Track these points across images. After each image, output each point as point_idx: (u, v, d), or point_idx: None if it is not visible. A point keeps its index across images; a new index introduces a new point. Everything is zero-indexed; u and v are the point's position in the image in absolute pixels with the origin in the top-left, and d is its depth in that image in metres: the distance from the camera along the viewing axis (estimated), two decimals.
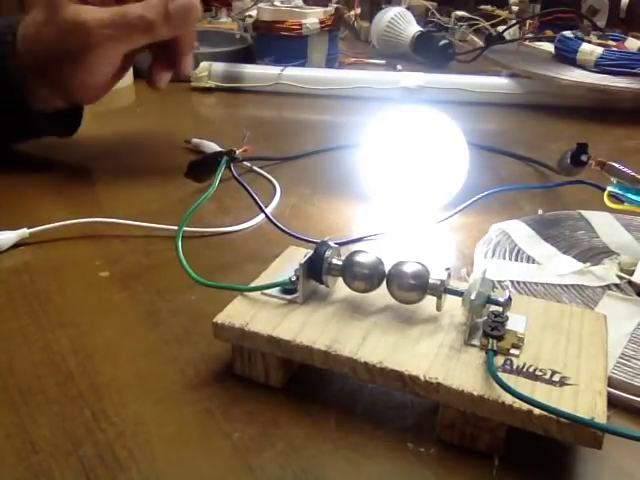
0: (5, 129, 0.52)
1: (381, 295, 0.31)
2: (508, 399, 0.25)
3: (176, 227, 0.37)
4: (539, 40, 0.97)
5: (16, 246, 0.42)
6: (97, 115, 0.71)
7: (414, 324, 0.30)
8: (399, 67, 0.94)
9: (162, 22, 0.47)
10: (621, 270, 0.39)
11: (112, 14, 0.47)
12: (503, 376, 0.26)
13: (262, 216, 0.46)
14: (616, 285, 0.38)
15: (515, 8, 1.19)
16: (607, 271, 0.39)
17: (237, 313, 0.30)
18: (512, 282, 0.38)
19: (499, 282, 0.37)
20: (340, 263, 0.31)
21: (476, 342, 0.28)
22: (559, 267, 0.39)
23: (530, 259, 0.41)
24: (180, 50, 0.52)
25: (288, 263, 0.33)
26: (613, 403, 0.29)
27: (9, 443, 0.27)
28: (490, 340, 0.27)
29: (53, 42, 0.47)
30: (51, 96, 0.51)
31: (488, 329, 0.28)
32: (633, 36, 0.87)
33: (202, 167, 0.48)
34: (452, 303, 0.30)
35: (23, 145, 0.56)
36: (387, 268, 0.31)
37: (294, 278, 0.31)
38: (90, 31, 0.46)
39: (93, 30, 0.46)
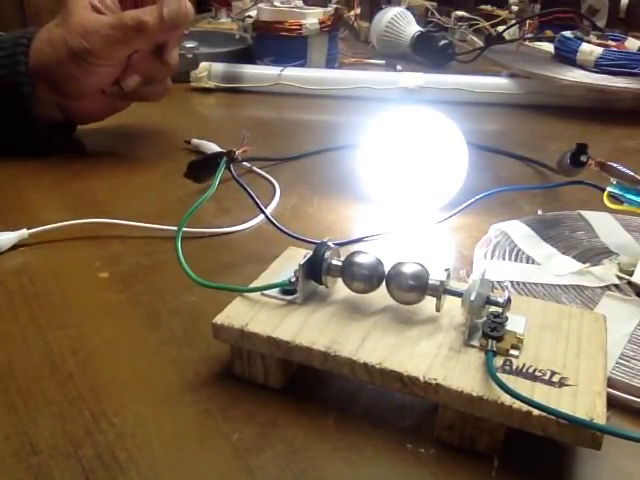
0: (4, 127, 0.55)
1: (381, 296, 0.31)
2: (507, 400, 0.25)
3: (176, 228, 0.37)
4: (539, 40, 0.97)
5: (15, 247, 0.42)
6: None
7: (413, 325, 0.30)
8: (399, 67, 0.94)
9: (157, 25, 0.51)
10: (620, 270, 0.39)
11: (111, 18, 0.51)
12: (502, 377, 0.26)
13: (262, 217, 0.46)
14: (615, 285, 0.38)
15: (515, 8, 1.19)
16: (606, 271, 0.39)
17: (236, 314, 0.30)
18: (512, 282, 0.38)
19: (499, 282, 0.37)
20: (339, 264, 0.31)
21: (475, 343, 0.28)
22: (559, 267, 0.39)
23: (530, 259, 0.41)
24: (168, 43, 0.55)
25: (288, 264, 0.33)
26: (612, 404, 0.29)
27: (8, 444, 0.27)
28: (489, 341, 0.27)
29: (60, 43, 0.51)
30: (51, 102, 0.55)
31: (487, 330, 0.28)
32: (633, 36, 0.87)
33: (202, 167, 0.48)
34: (452, 304, 0.30)
35: (22, 145, 0.56)
36: (386, 269, 0.31)
37: (293, 279, 0.31)
38: (91, 32, 0.51)
39: (94, 32, 0.51)
